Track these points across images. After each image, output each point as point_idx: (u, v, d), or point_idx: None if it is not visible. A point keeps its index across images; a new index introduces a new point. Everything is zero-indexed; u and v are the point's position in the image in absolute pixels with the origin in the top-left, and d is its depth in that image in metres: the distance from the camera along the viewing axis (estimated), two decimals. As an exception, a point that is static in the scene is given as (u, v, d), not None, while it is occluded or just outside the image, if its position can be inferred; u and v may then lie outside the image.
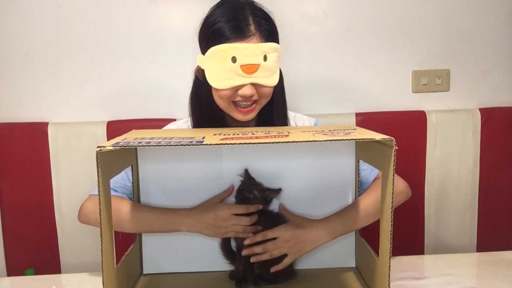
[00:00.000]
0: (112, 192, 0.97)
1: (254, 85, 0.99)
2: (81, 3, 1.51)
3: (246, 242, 0.95)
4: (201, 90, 1.06)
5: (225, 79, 0.97)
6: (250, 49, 0.95)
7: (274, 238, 0.95)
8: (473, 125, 1.55)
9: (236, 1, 1.02)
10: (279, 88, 1.08)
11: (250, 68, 0.96)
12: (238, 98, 1.01)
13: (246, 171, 1.00)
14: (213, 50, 0.97)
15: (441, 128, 1.55)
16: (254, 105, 1.03)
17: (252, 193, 0.95)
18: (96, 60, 1.54)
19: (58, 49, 1.52)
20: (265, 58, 0.97)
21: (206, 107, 1.07)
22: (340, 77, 1.60)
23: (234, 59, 0.95)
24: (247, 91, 0.98)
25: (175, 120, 1.40)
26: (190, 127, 1.14)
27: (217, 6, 1.03)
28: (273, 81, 1.01)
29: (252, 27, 0.97)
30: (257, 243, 0.95)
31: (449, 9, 1.58)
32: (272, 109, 1.10)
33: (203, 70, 1.01)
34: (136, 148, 1.00)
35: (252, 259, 0.95)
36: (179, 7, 1.54)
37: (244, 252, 0.95)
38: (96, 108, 1.55)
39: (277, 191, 0.97)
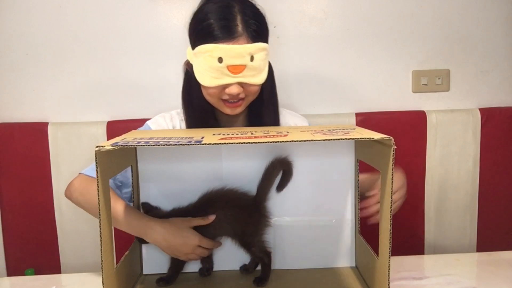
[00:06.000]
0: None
1: (241, 84, 1.00)
2: (81, 3, 1.51)
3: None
4: (191, 83, 1.08)
5: (212, 77, 0.99)
6: (236, 51, 0.96)
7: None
8: (473, 125, 1.55)
9: None
10: (269, 84, 1.09)
11: (236, 69, 0.97)
12: (226, 97, 1.03)
13: (144, 204, 0.99)
14: (200, 49, 0.98)
15: (441, 128, 1.55)
16: (240, 101, 1.05)
17: None
18: (96, 60, 1.54)
19: (58, 49, 1.53)
20: (251, 58, 0.98)
21: (196, 100, 1.09)
22: (340, 77, 1.60)
23: (220, 60, 0.96)
24: (233, 90, 1.00)
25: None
26: (183, 118, 1.16)
27: (207, 0, 1.03)
28: (260, 79, 1.02)
29: (240, 28, 0.98)
30: None
31: (449, 9, 1.58)
32: (263, 104, 1.11)
33: (192, 64, 1.04)
34: (135, 148, 1.00)
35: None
36: (179, 7, 1.54)
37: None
38: (96, 108, 1.56)
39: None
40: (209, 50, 0.96)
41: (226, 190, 0.99)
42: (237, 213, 0.97)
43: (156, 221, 0.94)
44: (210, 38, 0.97)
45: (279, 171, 1.00)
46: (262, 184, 0.99)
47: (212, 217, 0.95)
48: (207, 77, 0.99)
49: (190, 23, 1.05)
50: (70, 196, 1.08)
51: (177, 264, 0.99)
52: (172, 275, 0.99)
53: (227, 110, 1.06)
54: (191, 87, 1.09)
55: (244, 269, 1.02)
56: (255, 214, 0.98)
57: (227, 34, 0.97)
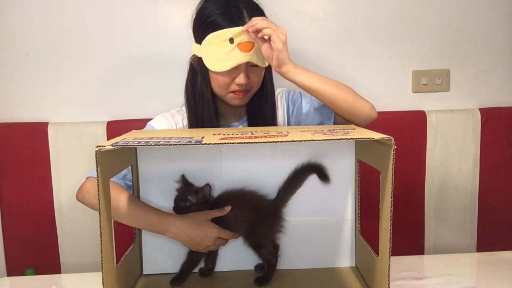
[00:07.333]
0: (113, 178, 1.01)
1: (248, 71, 1.07)
2: (81, 3, 1.51)
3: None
4: (196, 77, 1.13)
5: (223, 61, 1.04)
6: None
7: None
8: (473, 125, 1.55)
9: None
10: (269, 78, 1.17)
11: (246, 46, 1.03)
12: (234, 87, 1.08)
13: (183, 176, 1.00)
14: (212, 35, 1.03)
15: (441, 128, 1.55)
16: (245, 92, 1.11)
17: (187, 201, 0.97)
18: (96, 60, 1.54)
19: (58, 49, 1.53)
20: None
21: (199, 94, 1.13)
22: (340, 77, 1.58)
23: (231, 40, 1.02)
24: (241, 80, 1.06)
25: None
26: (185, 115, 1.19)
27: None
28: (265, 62, 1.08)
29: (247, 19, 1.04)
30: None
31: (449, 9, 1.58)
32: (262, 99, 1.17)
33: (199, 59, 1.08)
34: (135, 148, 1.00)
35: None
36: (179, 7, 1.54)
37: None
38: (96, 108, 1.55)
39: (206, 187, 0.98)
40: (220, 35, 1.02)
41: (245, 190, 1.00)
42: (255, 213, 0.98)
43: (176, 216, 0.97)
44: (219, 26, 1.03)
45: (308, 176, 1.00)
46: (285, 188, 1.00)
47: (228, 208, 0.97)
48: (219, 63, 1.04)
49: (194, 21, 1.10)
50: (83, 199, 1.08)
51: (193, 260, 1.00)
52: (187, 270, 1.00)
53: (236, 101, 1.12)
54: (195, 81, 1.13)
55: (260, 267, 1.03)
56: (272, 217, 0.99)
57: (235, 23, 1.03)
